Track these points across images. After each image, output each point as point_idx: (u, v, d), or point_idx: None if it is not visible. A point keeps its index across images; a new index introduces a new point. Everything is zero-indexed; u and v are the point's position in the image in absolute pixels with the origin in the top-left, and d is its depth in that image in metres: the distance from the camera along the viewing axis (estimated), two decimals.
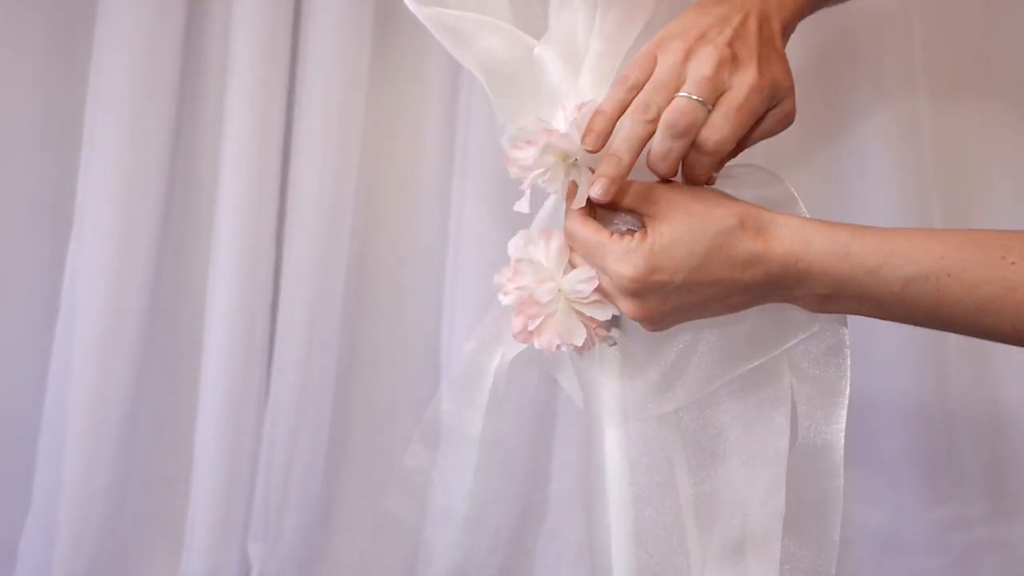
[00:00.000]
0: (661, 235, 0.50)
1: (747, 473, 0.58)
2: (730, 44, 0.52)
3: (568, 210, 0.55)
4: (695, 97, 0.50)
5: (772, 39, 0.54)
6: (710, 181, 0.55)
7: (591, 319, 0.55)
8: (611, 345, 0.57)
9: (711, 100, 0.51)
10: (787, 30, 0.57)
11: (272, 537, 0.92)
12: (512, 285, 0.55)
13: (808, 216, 0.53)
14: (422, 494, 0.64)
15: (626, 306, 0.52)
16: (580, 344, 0.55)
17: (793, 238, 0.50)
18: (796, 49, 0.90)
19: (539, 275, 0.54)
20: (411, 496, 0.64)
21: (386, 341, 0.96)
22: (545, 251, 0.55)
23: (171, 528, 0.93)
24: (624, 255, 0.50)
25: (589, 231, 0.52)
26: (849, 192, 0.90)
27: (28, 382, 0.92)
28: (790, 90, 0.54)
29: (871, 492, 0.92)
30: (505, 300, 0.55)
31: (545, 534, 0.88)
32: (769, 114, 0.54)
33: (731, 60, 0.51)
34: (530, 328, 0.54)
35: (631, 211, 0.53)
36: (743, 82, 0.51)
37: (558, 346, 0.54)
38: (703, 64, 0.51)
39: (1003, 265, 0.46)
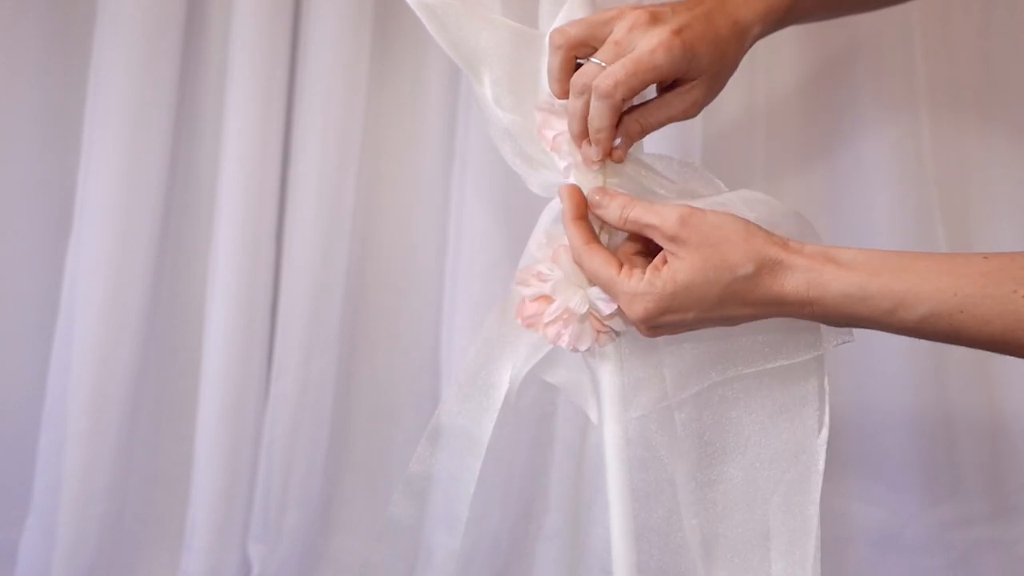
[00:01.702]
0: (675, 281, 0.50)
1: (767, 471, 0.58)
2: (654, 12, 0.53)
3: (576, 241, 0.54)
4: (595, 60, 0.52)
5: (712, 16, 0.54)
6: (615, 158, 0.55)
7: (602, 324, 0.55)
8: (611, 341, 0.57)
9: (612, 61, 0.52)
10: (751, 28, 0.56)
11: (272, 537, 0.92)
12: (538, 281, 0.55)
13: (821, 245, 0.52)
14: (425, 498, 0.64)
15: (638, 328, 0.53)
16: (584, 350, 0.55)
17: (809, 283, 0.49)
18: (799, 61, 0.91)
19: (570, 272, 0.55)
20: (415, 501, 0.64)
21: (386, 341, 0.96)
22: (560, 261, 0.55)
23: (171, 528, 0.94)
24: (636, 296, 0.50)
25: (597, 264, 0.52)
26: (851, 199, 0.90)
27: (28, 382, 0.92)
28: (712, 76, 0.53)
29: (871, 492, 0.92)
30: (527, 291, 0.55)
31: (545, 537, 0.88)
32: (677, 91, 0.54)
33: (647, 22, 0.52)
34: (547, 319, 0.55)
35: (649, 240, 0.53)
36: (651, 38, 0.51)
37: (563, 342, 0.55)
38: (618, 29, 0.52)
39: (1015, 299, 0.46)
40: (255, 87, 0.87)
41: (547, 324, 0.55)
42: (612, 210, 0.53)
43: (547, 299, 0.55)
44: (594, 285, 0.54)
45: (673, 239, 0.50)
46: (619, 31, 0.52)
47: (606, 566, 0.60)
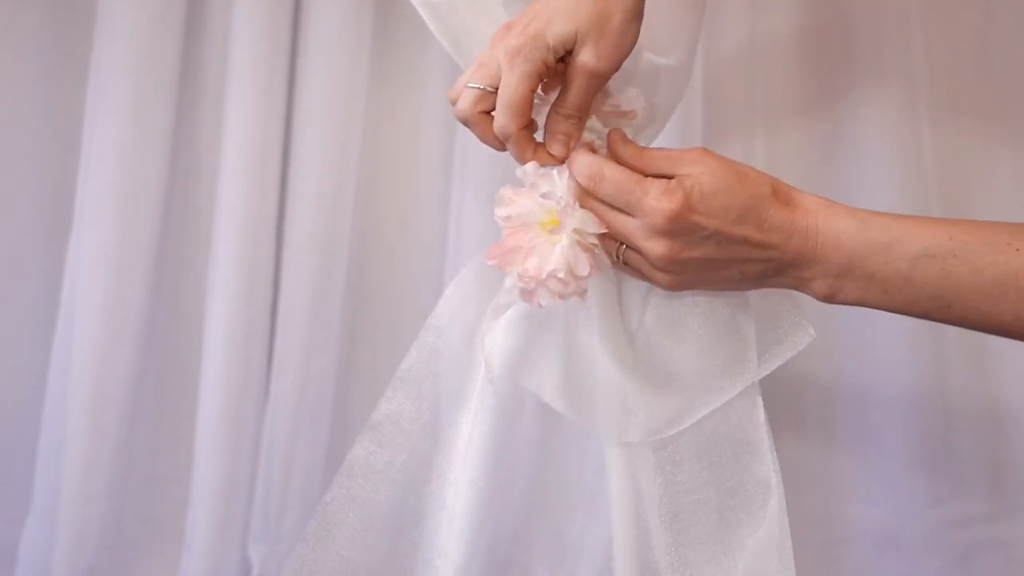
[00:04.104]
0: (702, 182, 0.51)
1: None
2: (510, 23, 0.53)
3: (596, 156, 0.54)
4: (472, 85, 0.53)
5: None
6: (559, 156, 0.54)
7: (593, 260, 0.53)
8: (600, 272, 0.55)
9: (482, 81, 0.53)
10: None
11: (272, 537, 0.92)
12: (519, 199, 0.54)
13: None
14: (421, 493, 0.64)
15: (654, 247, 0.51)
16: (584, 275, 0.53)
17: (817, 213, 0.52)
18: (797, 61, 0.91)
19: (543, 201, 0.53)
20: (408, 492, 0.64)
21: (386, 341, 0.96)
22: (558, 182, 0.54)
23: (171, 528, 0.94)
24: (666, 191, 0.51)
25: (622, 173, 0.53)
26: (848, 192, 0.90)
27: (28, 382, 0.92)
28: (583, 38, 0.51)
29: (871, 492, 0.92)
30: (502, 212, 0.54)
31: (545, 535, 0.87)
32: (568, 71, 0.53)
33: (501, 34, 0.53)
34: (523, 247, 0.53)
35: (665, 176, 0.53)
36: (505, 51, 0.51)
37: (553, 274, 0.52)
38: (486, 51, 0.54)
39: (1008, 251, 0.47)
40: (255, 87, 0.87)
41: (525, 253, 0.53)
42: (626, 149, 0.54)
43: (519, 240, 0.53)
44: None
45: (696, 160, 0.52)
46: (484, 52, 0.53)
47: (606, 566, 0.60)
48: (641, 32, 0.53)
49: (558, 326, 0.59)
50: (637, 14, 0.53)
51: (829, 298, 0.53)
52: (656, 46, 0.58)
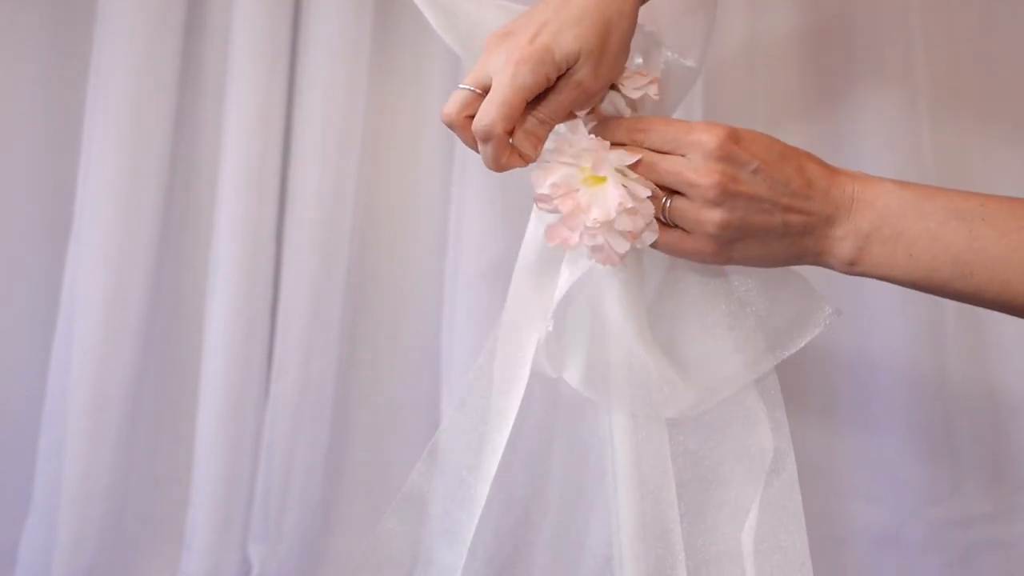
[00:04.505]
0: (741, 131, 0.52)
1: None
2: (508, 29, 0.53)
3: (637, 120, 0.55)
4: (462, 86, 0.53)
5: (568, 2, 0.53)
6: (524, 157, 0.54)
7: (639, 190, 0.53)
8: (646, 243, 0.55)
9: (475, 85, 0.52)
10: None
11: (272, 537, 0.92)
12: (561, 160, 0.53)
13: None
14: (424, 500, 0.65)
15: (707, 177, 0.51)
16: (643, 198, 0.52)
17: (853, 175, 0.54)
18: (797, 61, 0.91)
19: (581, 154, 0.53)
20: (413, 507, 0.64)
21: (386, 341, 0.96)
22: (580, 138, 0.54)
23: (171, 528, 0.93)
24: (710, 126, 0.52)
25: (664, 124, 0.54)
26: None
27: (28, 382, 0.92)
28: (586, 57, 0.52)
29: (871, 491, 0.92)
30: (544, 187, 0.53)
31: (545, 536, 0.87)
32: (560, 82, 0.53)
33: (500, 40, 0.52)
34: (582, 204, 0.52)
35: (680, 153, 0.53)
36: (508, 59, 0.51)
37: (617, 207, 0.52)
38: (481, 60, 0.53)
39: None
40: (255, 87, 0.87)
41: (586, 206, 0.52)
42: (657, 124, 0.54)
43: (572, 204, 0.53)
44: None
45: (730, 133, 0.52)
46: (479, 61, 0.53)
47: (606, 566, 0.60)
48: (662, 32, 0.54)
49: (583, 309, 0.59)
50: (630, 38, 0.54)
51: (854, 264, 0.53)
52: (678, 47, 0.59)
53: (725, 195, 0.52)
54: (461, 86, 0.53)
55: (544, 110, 0.53)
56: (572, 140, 0.54)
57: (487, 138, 0.52)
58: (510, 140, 0.53)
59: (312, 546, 0.94)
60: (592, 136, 0.54)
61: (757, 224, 0.53)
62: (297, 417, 0.91)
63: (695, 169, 0.52)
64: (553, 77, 0.52)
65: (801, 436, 0.72)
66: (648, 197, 0.53)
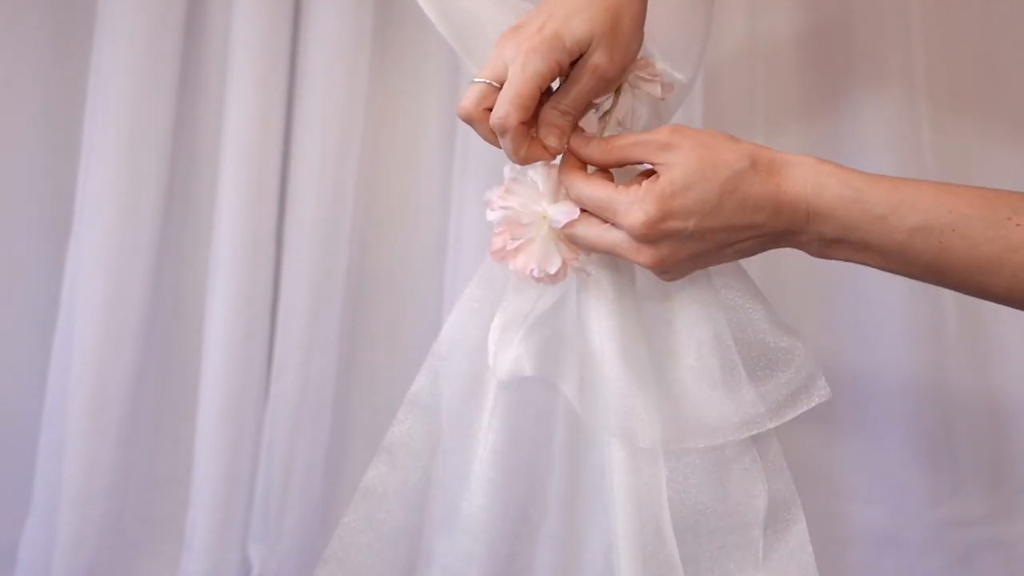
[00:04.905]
0: (672, 181, 0.49)
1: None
2: (519, 24, 0.53)
3: (571, 176, 0.54)
4: (478, 80, 0.52)
5: None
6: (551, 150, 0.54)
7: (569, 250, 0.55)
8: (585, 276, 0.57)
9: (491, 78, 0.52)
10: None
11: (272, 537, 0.92)
12: (500, 203, 0.55)
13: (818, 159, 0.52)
14: (421, 496, 0.65)
15: (641, 256, 0.51)
16: (553, 272, 0.54)
17: (806, 180, 0.50)
18: (797, 61, 0.91)
19: (528, 197, 0.55)
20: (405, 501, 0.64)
21: (386, 341, 0.96)
22: (544, 176, 0.55)
23: (171, 528, 0.93)
24: (635, 203, 0.50)
25: (594, 187, 0.52)
26: None
27: (28, 382, 0.92)
28: (599, 41, 0.51)
29: (871, 492, 0.92)
30: (491, 216, 0.56)
31: (544, 537, 0.87)
32: (577, 70, 0.53)
33: (511, 34, 0.52)
34: (509, 248, 0.55)
35: (639, 163, 0.53)
36: (518, 50, 0.51)
37: (532, 271, 0.54)
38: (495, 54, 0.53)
39: (1008, 226, 0.46)
40: (255, 87, 0.87)
41: (512, 254, 0.55)
42: (594, 147, 0.54)
43: (512, 226, 0.55)
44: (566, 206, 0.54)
45: (666, 146, 0.50)
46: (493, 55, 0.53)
47: (606, 566, 0.60)
48: (657, 43, 0.54)
49: (572, 326, 0.59)
50: (643, 20, 0.53)
51: (825, 257, 0.53)
52: (670, 59, 0.59)
53: (663, 267, 0.52)
54: (476, 79, 0.53)
55: (564, 100, 0.53)
56: (524, 182, 0.55)
57: (503, 131, 0.52)
58: (533, 133, 0.53)
59: (312, 546, 0.94)
60: (551, 176, 0.55)
61: (705, 263, 0.53)
62: (297, 417, 0.91)
63: (630, 250, 0.52)
64: (566, 63, 0.51)
65: (801, 438, 0.72)
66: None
